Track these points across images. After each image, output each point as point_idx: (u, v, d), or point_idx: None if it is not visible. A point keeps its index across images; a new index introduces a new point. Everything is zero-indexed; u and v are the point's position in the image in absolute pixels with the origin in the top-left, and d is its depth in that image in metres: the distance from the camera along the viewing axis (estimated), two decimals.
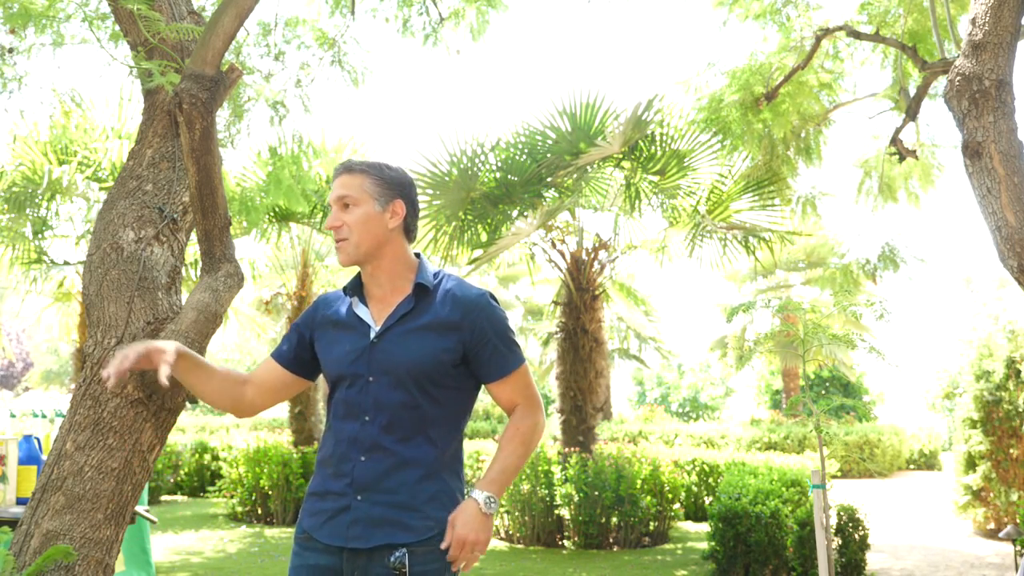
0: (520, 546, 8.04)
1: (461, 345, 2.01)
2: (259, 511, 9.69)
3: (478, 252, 7.84)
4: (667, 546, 8.04)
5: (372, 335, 2.03)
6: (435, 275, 2.10)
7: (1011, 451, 8.26)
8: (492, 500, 1.96)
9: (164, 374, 1.92)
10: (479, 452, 10.32)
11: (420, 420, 1.98)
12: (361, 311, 2.08)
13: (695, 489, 10.05)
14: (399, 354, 1.99)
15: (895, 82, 7.20)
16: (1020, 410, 8.23)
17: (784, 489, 7.08)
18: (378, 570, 1.91)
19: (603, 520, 7.80)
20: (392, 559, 1.89)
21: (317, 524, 1.99)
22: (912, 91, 6.91)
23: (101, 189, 8.16)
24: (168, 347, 1.97)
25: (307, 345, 2.15)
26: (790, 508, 6.68)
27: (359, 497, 1.95)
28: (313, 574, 1.97)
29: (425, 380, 1.98)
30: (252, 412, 2.18)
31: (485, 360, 2.03)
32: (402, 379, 1.97)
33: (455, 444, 2.05)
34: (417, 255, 2.15)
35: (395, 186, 2.08)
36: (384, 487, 1.94)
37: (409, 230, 2.12)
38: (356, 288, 2.12)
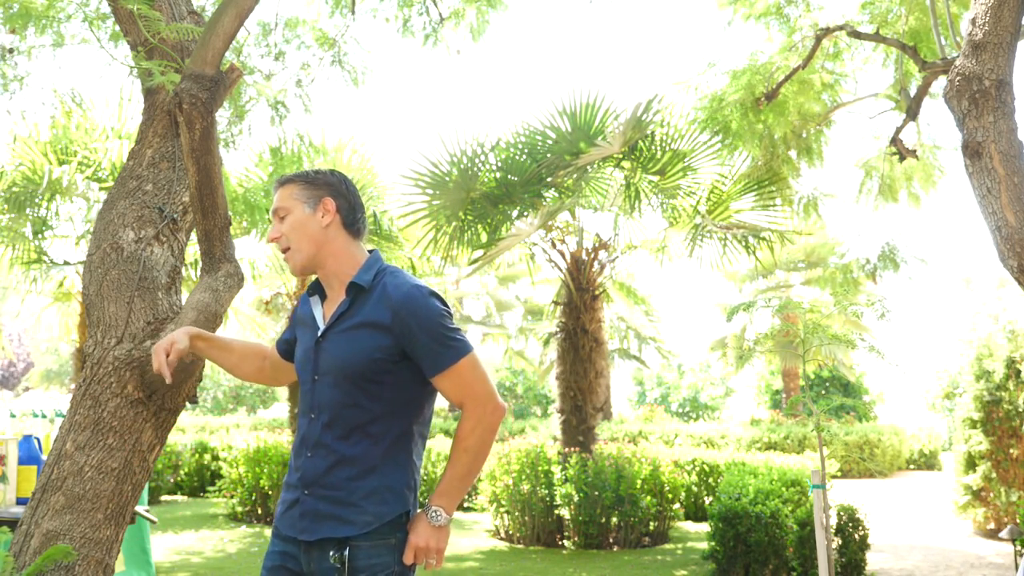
0: (520, 546, 8.04)
1: (396, 343, 2.00)
2: (259, 511, 9.69)
3: (478, 252, 7.84)
4: (667, 546, 8.04)
5: (319, 335, 2.09)
6: (377, 272, 2.09)
7: (1011, 451, 8.26)
8: (438, 513, 2.00)
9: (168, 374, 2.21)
10: None
11: (359, 418, 2.00)
12: (316, 310, 2.14)
13: (695, 489, 10.04)
14: (335, 354, 2.04)
15: (896, 82, 7.20)
16: (1020, 410, 8.23)
17: (784, 489, 7.08)
18: (325, 563, 1.98)
19: (603, 520, 7.80)
20: (332, 554, 1.97)
21: (279, 513, 2.11)
22: (913, 91, 6.90)
23: (101, 189, 8.16)
24: (180, 339, 2.22)
25: (295, 340, 2.28)
26: (790, 508, 6.68)
27: (306, 492, 2.03)
28: (280, 560, 2.07)
29: (360, 379, 2.00)
30: (277, 383, 2.39)
31: (419, 358, 2.01)
32: (339, 379, 2.02)
33: (399, 437, 2.03)
34: (371, 251, 2.17)
35: (322, 185, 2.12)
36: (325, 483, 2.01)
37: (349, 225, 2.14)
38: (317, 286, 2.19)
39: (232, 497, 9.89)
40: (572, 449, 8.13)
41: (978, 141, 3.32)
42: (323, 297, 2.17)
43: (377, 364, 1.99)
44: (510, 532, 8.24)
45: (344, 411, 2.00)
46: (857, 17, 7.03)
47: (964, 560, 7.32)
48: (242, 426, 18.71)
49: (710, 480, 10.06)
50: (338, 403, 2.01)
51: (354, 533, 1.96)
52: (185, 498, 12.36)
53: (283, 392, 25.67)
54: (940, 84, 6.63)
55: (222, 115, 4.92)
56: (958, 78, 3.40)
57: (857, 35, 6.46)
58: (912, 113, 6.50)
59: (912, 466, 17.75)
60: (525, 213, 7.80)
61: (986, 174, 3.29)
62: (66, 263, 8.87)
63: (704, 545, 7.34)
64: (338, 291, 2.12)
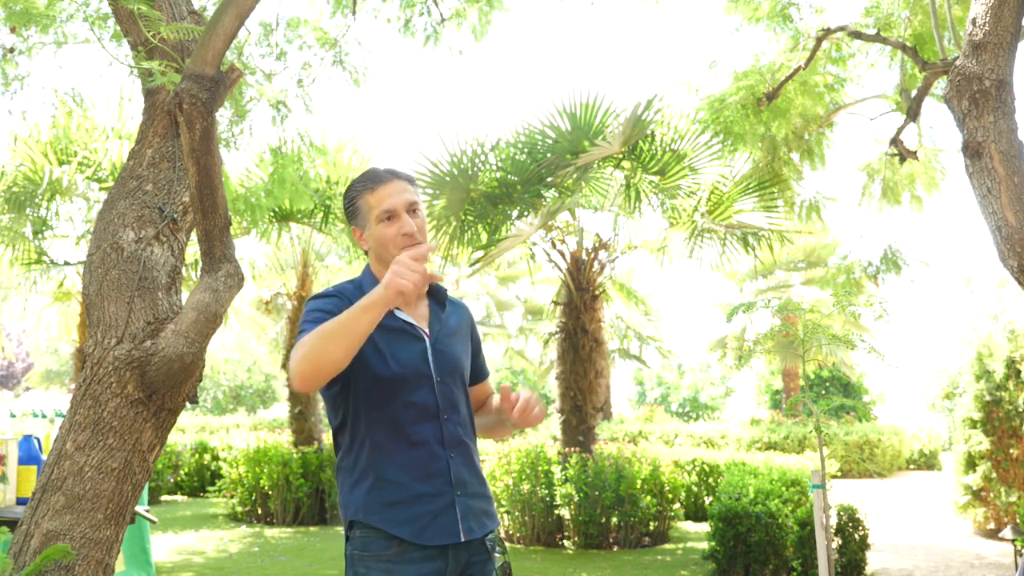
0: (520, 546, 8.04)
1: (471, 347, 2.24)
2: (259, 511, 9.69)
3: (478, 252, 7.83)
4: (667, 546, 8.04)
5: (428, 338, 2.09)
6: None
7: (1011, 451, 8.26)
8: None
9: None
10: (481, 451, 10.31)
11: (469, 415, 2.15)
12: (403, 315, 2.09)
13: (695, 489, 10.04)
14: (453, 355, 2.12)
15: (899, 84, 7.19)
16: (1020, 410, 8.23)
17: (784, 489, 7.08)
18: (479, 557, 2.02)
19: (603, 520, 7.80)
20: (499, 549, 2.05)
21: (418, 530, 1.95)
22: (915, 92, 6.89)
23: (101, 189, 8.16)
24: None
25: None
26: (790, 508, 6.68)
27: (459, 492, 2.02)
28: None
29: (466, 377, 2.18)
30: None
31: (479, 365, 2.25)
32: (460, 377, 2.13)
33: None
34: None
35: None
36: (471, 480, 2.07)
37: None
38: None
39: (232, 497, 9.90)
40: (572, 449, 8.13)
41: (978, 141, 3.32)
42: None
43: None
44: (510, 532, 8.24)
45: (465, 409, 2.12)
46: (861, 21, 7.02)
47: (964, 560, 7.32)
48: (242, 426, 18.71)
49: (710, 480, 10.06)
50: (463, 401, 2.12)
51: (496, 524, 2.11)
52: (185, 498, 12.36)
53: (283, 392, 25.66)
54: (942, 86, 6.62)
55: (222, 115, 4.92)
56: (958, 78, 3.40)
57: (858, 35, 6.46)
58: (912, 114, 6.49)
59: (912, 466, 17.75)
60: (525, 213, 7.79)
61: (986, 174, 3.29)
62: (66, 263, 8.87)
63: (704, 545, 7.34)
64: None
